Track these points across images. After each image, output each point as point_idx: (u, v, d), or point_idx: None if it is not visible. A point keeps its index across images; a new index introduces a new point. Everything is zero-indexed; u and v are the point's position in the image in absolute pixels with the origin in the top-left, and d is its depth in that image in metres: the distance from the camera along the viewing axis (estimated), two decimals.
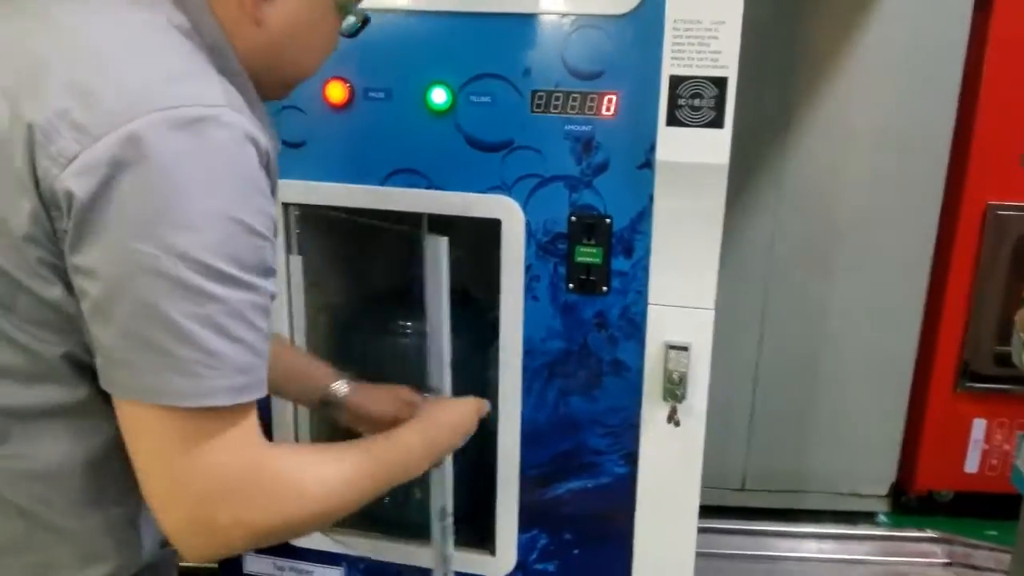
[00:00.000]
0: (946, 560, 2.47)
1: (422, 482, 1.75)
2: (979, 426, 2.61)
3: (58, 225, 0.76)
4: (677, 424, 1.43)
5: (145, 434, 0.79)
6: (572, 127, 1.38)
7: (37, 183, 0.75)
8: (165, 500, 0.80)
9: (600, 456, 1.54)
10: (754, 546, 2.55)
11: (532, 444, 1.56)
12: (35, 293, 0.80)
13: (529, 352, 1.51)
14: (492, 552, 1.65)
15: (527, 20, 1.36)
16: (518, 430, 1.55)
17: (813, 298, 2.58)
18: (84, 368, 0.84)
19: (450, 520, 1.53)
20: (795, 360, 2.63)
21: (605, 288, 1.45)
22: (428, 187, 1.46)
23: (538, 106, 1.39)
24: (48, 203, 0.76)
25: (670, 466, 1.49)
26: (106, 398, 0.83)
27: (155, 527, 0.89)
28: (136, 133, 0.73)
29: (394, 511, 1.79)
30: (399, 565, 1.71)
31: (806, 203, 2.50)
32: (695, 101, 1.30)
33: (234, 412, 0.80)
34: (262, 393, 0.82)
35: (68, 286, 0.79)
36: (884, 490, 2.74)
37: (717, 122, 1.30)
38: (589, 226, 1.42)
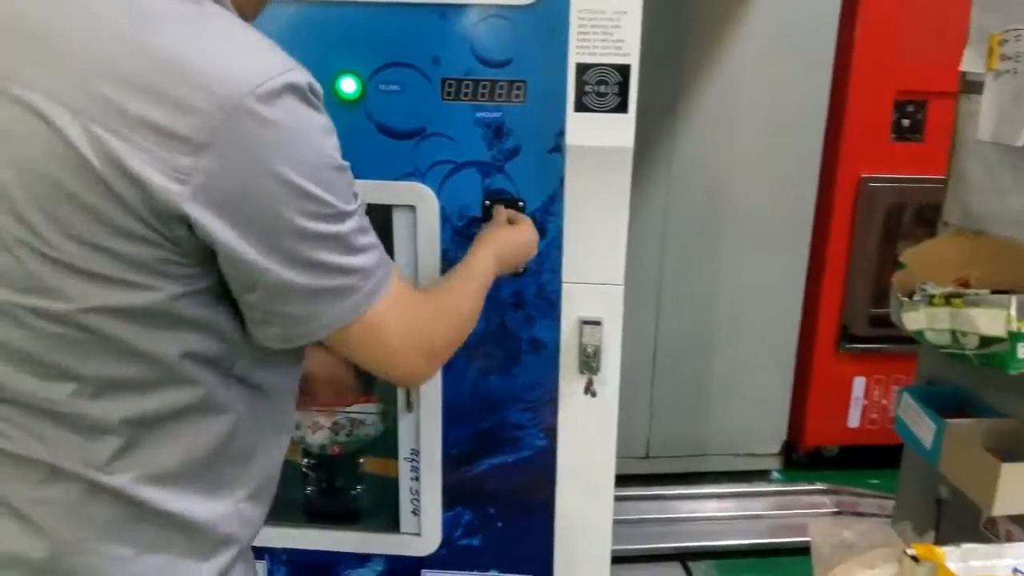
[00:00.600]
0: (835, 509, 2.65)
1: (340, 470, 1.79)
2: (859, 384, 2.80)
3: (178, 232, 0.79)
4: (594, 395, 1.50)
5: (358, 348, 0.96)
6: (483, 114, 1.42)
7: (150, 199, 0.77)
8: (406, 372, 1.03)
9: (520, 431, 1.59)
10: (659, 510, 2.67)
11: (453, 423, 1.60)
12: (157, 296, 0.82)
13: None
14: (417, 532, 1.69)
15: (436, 10, 1.38)
16: (440, 411, 1.59)
17: (705, 271, 2.71)
18: (203, 362, 0.88)
19: (417, 460, 1.64)
20: (690, 331, 2.77)
21: (521, 269, 1.50)
22: None
23: (448, 94, 1.42)
24: (163, 215, 0.78)
25: (587, 436, 1.56)
26: (225, 385, 0.91)
27: (267, 496, 1.02)
28: (238, 129, 0.77)
29: (313, 500, 1.81)
30: (321, 552, 1.72)
31: (695, 181, 2.62)
32: (601, 87, 1.36)
33: (394, 288, 0.96)
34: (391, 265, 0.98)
35: (189, 279, 0.84)
36: (776, 448, 2.92)
37: (622, 107, 1.36)
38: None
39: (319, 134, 0.85)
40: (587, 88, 1.36)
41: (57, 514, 0.86)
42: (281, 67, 0.81)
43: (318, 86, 0.85)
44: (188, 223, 0.78)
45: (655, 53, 2.35)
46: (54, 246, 0.78)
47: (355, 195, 0.91)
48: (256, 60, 0.81)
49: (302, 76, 0.83)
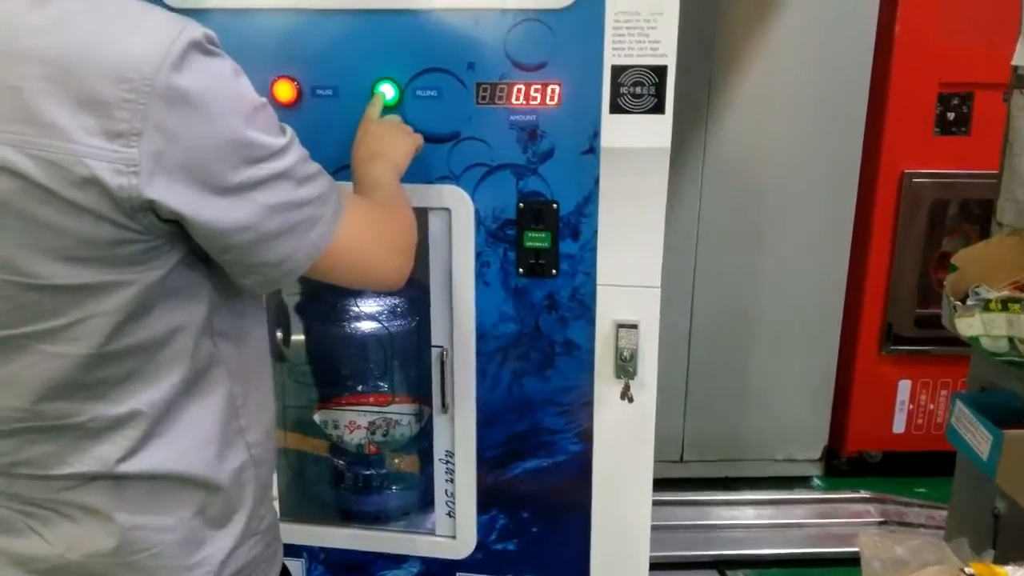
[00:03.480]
0: (880, 519, 2.58)
1: (376, 470, 1.80)
2: (904, 387, 2.74)
3: (146, 221, 0.82)
4: (631, 400, 1.48)
5: (339, 269, 1.00)
6: (517, 117, 1.41)
7: (114, 200, 0.79)
8: (387, 275, 1.09)
9: (555, 435, 1.58)
10: (696, 516, 2.63)
11: (488, 426, 1.59)
12: (144, 284, 0.86)
13: (482, 336, 1.54)
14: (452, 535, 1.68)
15: (471, 16, 1.38)
16: (474, 413, 1.58)
17: (740, 270, 2.67)
18: (192, 330, 0.92)
19: (452, 462, 1.63)
20: (726, 332, 2.72)
21: (554, 271, 1.48)
22: None
23: (483, 98, 1.41)
24: (130, 209, 0.80)
25: (624, 441, 1.54)
26: (213, 344, 0.95)
27: (271, 434, 1.09)
28: (163, 105, 0.79)
29: (351, 500, 1.81)
30: (358, 552, 1.72)
31: (730, 178, 2.58)
32: (636, 89, 1.35)
33: (349, 202, 1.00)
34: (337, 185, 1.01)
35: (168, 256, 0.87)
36: (817, 454, 2.86)
37: (658, 108, 1.35)
38: (537, 211, 1.46)
39: (233, 80, 0.86)
40: (622, 90, 1.35)
41: (95, 506, 0.91)
42: (176, 29, 0.82)
43: (212, 33, 0.86)
44: (152, 208, 0.81)
45: (687, 46, 2.31)
46: (41, 275, 0.81)
47: (282, 128, 0.92)
48: (152, 32, 0.81)
49: (197, 30, 0.84)
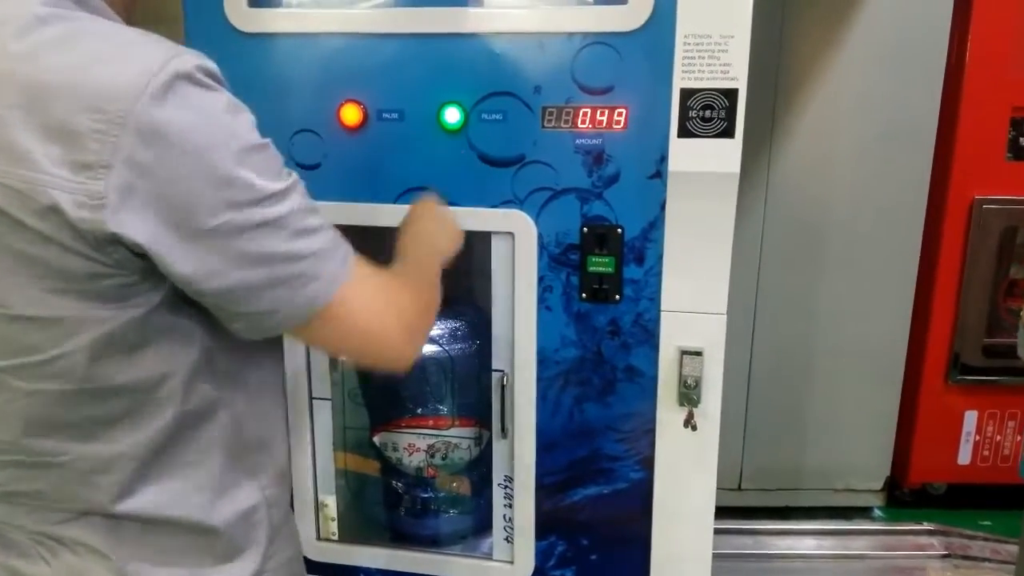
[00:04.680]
0: (944, 552, 2.50)
1: (435, 493, 1.80)
2: (971, 418, 2.66)
3: (117, 255, 0.78)
4: (694, 428, 1.46)
5: (330, 338, 0.93)
6: (582, 141, 1.41)
7: (78, 232, 0.76)
8: (388, 355, 0.98)
9: (616, 462, 1.56)
10: (753, 545, 2.58)
11: (547, 451, 1.58)
12: (127, 319, 0.82)
13: (543, 361, 1.53)
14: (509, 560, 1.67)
15: (537, 39, 1.38)
16: (533, 438, 1.57)
17: (803, 296, 2.62)
18: (189, 371, 0.89)
19: (511, 487, 1.62)
20: (787, 359, 2.67)
21: (618, 296, 1.47)
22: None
23: (549, 122, 1.41)
24: (95, 242, 0.77)
25: (686, 469, 1.51)
26: (216, 388, 0.91)
27: (287, 478, 1.06)
28: (136, 139, 0.75)
29: (408, 523, 1.81)
30: (415, 574, 1.72)
31: (794, 202, 2.54)
32: (706, 113, 1.33)
33: (355, 268, 0.92)
34: (348, 246, 0.94)
35: (149, 294, 0.83)
36: (879, 484, 2.79)
37: (728, 132, 1.33)
38: (601, 236, 1.45)
39: (223, 115, 0.80)
40: (691, 113, 1.34)
41: (91, 543, 0.90)
42: (163, 58, 0.77)
43: (211, 65, 0.81)
44: (121, 243, 0.77)
45: (751, 69, 2.30)
46: (16, 306, 0.79)
47: (286, 173, 0.86)
48: (136, 61, 0.77)
49: (189, 60, 0.78)
